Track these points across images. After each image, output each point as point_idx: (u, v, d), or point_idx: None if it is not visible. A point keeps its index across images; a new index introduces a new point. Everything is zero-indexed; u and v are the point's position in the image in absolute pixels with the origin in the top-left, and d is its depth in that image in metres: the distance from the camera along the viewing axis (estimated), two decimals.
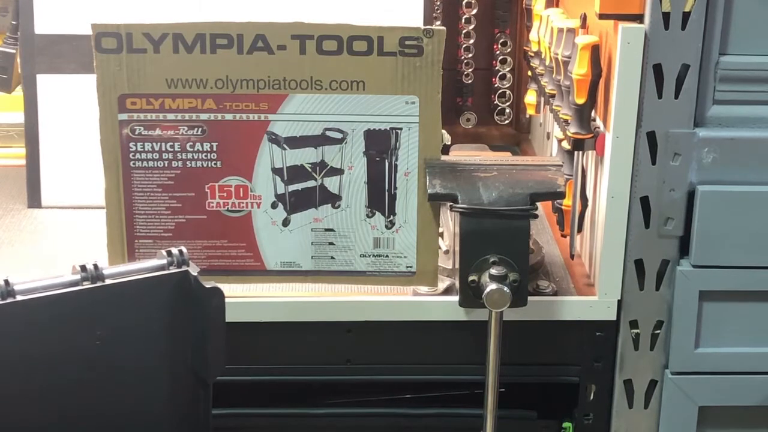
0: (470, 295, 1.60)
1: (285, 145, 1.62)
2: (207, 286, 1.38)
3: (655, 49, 1.57)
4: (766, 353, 1.71)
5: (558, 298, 1.70)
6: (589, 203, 1.73)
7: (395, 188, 1.64)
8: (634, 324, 1.70)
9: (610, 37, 1.63)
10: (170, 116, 1.61)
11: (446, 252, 1.73)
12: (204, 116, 1.61)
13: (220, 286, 1.39)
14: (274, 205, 1.65)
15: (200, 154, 1.62)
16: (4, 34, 2.06)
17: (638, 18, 1.57)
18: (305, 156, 1.63)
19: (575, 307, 1.70)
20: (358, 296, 1.70)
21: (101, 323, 1.34)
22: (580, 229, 1.74)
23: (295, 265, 1.67)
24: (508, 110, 2.30)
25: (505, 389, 1.68)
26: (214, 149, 1.62)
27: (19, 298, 1.26)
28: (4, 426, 1.30)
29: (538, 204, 1.60)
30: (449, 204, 1.61)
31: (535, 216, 1.59)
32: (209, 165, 1.63)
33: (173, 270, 1.38)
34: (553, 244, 1.90)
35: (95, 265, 1.32)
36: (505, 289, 1.56)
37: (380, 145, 1.62)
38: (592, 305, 1.69)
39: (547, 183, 1.61)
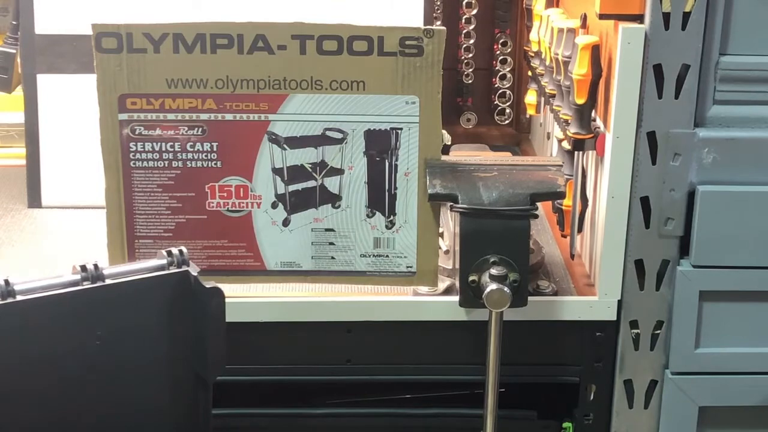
0: (470, 295, 1.60)
1: (285, 145, 1.62)
2: (207, 286, 1.38)
3: (655, 49, 1.57)
4: (766, 353, 1.71)
5: (558, 298, 1.70)
6: (590, 203, 1.73)
7: (395, 188, 1.64)
8: (634, 324, 1.70)
9: (610, 37, 1.63)
10: (170, 116, 1.61)
11: (446, 252, 1.73)
12: (204, 116, 1.61)
13: (220, 286, 1.39)
14: (274, 205, 1.65)
15: (200, 154, 1.62)
16: (4, 34, 2.06)
17: (638, 18, 1.57)
18: (305, 156, 1.63)
19: (575, 307, 1.70)
20: (358, 296, 1.70)
21: (101, 323, 1.34)
22: (580, 230, 1.74)
23: (295, 265, 1.67)
24: (508, 110, 2.30)
25: (505, 389, 1.68)
26: (215, 149, 1.62)
27: (19, 298, 1.26)
28: (4, 426, 1.30)
29: (539, 204, 1.60)
30: (449, 204, 1.61)
31: (536, 216, 1.59)
32: (209, 165, 1.63)
33: (173, 270, 1.38)
34: (553, 244, 1.90)
35: (95, 265, 1.32)
36: (505, 289, 1.56)
37: (380, 145, 1.62)
38: (592, 305, 1.69)
39: (547, 183, 1.61)
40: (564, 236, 1.78)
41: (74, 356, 1.33)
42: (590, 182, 1.74)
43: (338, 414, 1.78)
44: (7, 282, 1.26)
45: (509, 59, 2.27)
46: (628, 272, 1.67)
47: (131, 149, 1.62)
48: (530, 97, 2.05)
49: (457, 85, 2.29)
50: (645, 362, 1.72)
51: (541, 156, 2.19)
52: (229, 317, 1.41)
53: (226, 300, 1.40)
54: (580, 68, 1.62)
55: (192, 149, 1.62)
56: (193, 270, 1.38)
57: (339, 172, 1.64)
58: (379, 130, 1.62)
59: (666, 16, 1.55)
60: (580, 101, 1.64)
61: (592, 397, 1.76)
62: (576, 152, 1.68)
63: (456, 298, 1.64)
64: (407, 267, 1.67)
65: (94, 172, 1.69)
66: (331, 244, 1.66)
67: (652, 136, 1.61)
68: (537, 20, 1.93)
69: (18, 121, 2.10)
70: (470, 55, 2.26)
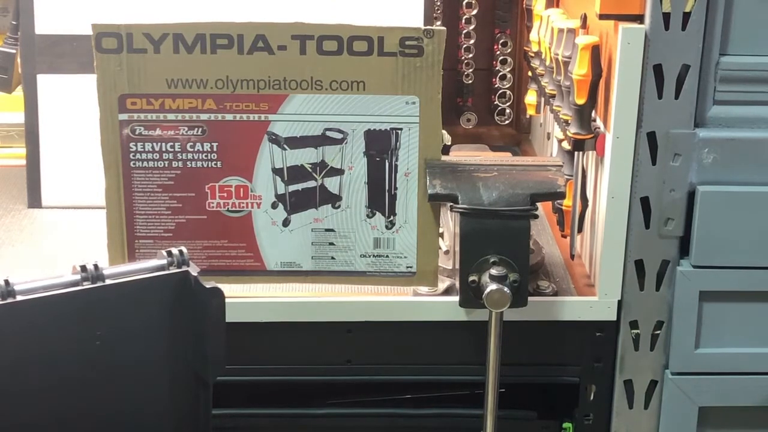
0: (470, 296, 1.60)
1: (285, 145, 1.62)
2: (207, 286, 1.38)
3: (655, 49, 1.57)
4: (766, 353, 1.71)
5: (558, 298, 1.70)
6: (590, 203, 1.73)
7: (395, 188, 1.64)
8: (634, 324, 1.70)
9: (610, 37, 1.63)
10: (170, 116, 1.61)
11: (446, 252, 1.73)
12: (204, 116, 1.61)
13: (220, 286, 1.39)
14: (274, 206, 1.65)
15: (200, 154, 1.62)
16: (4, 34, 2.06)
17: (638, 18, 1.57)
18: (305, 156, 1.63)
19: (575, 308, 1.70)
20: (358, 296, 1.70)
21: (101, 323, 1.33)
22: (580, 230, 1.74)
23: (295, 265, 1.67)
24: (508, 110, 2.30)
25: (505, 389, 1.68)
26: (215, 149, 1.62)
27: (19, 298, 1.26)
28: (3, 426, 1.30)
29: (539, 204, 1.60)
30: (449, 204, 1.61)
31: (536, 216, 1.59)
32: (209, 165, 1.63)
33: (173, 270, 1.38)
34: (553, 245, 1.90)
35: (95, 265, 1.32)
36: (506, 289, 1.56)
37: (380, 146, 1.62)
38: (593, 305, 1.69)
39: (547, 183, 1.61)
40: (564, 236, 1.78)
41: (74, 356, 1.33)
42: (590, 182, 1.74)
43: (338, 414, 1.78)
44: (7, 282, 1.26)
45: (509, 59, 2.27)
46: (628, 272, 1.67)
47: (131, 149, 1.62)
48: (530, 98, 2.05)
49: (457, 85, 2.29)
50: (645, 362, 1.72)
51: (541, 156, 2.19)
52: (229, 317, 1.41)
53: (226, 300, 1.40)
54: (580, 68, 1.62)
55: (192, 149, 1.62)
56: (193, 270, 1.38)
57: (339, 172, 1.64)
58: (379, 130, 1.62)
59: (666, 17, 1.55)
60: (580, 101, 1.64)
61: (592, 398, 1.76)
62: (576, 152, 1.68)
63: (456, 298, 1.64)
64: (407, 267, 1.67)
65: (94, 172, 1.69)
66: (331, 244, 1.66)
67: (652, 137, 1.61)
68: (537, 20, 1.93)
69: (18, 121, 2.10)
70: (470, 55, 2.26)
